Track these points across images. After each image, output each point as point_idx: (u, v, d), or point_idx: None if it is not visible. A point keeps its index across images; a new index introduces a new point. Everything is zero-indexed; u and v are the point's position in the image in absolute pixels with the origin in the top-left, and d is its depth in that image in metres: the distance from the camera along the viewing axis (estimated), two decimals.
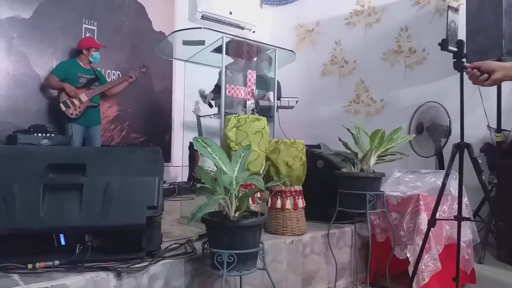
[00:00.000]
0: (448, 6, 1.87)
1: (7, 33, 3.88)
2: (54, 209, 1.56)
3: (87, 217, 1.56)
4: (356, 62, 5.02)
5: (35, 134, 3.62)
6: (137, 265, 1.59)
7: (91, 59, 4.07)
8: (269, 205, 2.28)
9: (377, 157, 2.31)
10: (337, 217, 2.36)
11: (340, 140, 2.39)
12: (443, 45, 1.79)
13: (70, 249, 1.60)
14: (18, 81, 3.92)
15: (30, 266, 1.50)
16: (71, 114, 3.90)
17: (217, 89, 3.82)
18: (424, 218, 2.21)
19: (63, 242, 1.64)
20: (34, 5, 4.04)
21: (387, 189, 2.55)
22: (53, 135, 3.72)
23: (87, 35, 4.39)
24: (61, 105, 3.87)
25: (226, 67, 2.57)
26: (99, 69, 4.30)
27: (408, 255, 2.25)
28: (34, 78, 4.03)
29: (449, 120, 3.35)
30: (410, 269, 2.19)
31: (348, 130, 2.43)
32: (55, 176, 1.63)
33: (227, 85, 2.75)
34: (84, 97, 3.96)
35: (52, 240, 1.63)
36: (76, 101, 3.91)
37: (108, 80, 4.42)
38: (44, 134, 3.65)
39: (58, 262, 1.53)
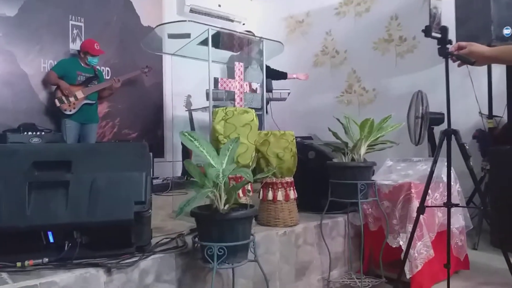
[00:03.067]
0: None
1: None
2: (40, 207, 1.55)
3: (74, 214, 1.54)
4: (347, 52, 5.00)
5: (25, 133, 3.59)
6: (127, 261, 1.57)
7: (87, 62, 4.07)
8: (260, 197, 2.27)
9: (367, 146, 2.31)
10: (329, 207, 2.36)
11: (330, 130, 2.38)
12: (427, 31, 1.78)
13: (59, 246, 1.58)
14: (5, 80, 3.88)
15: (19, 264, 1.48)
16: (65, 110, 3.91)
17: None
18: (416, 206, 2.21)
19: (51, 240, 1.62)
20: (19, 3, 3.97)
21: (379, 178, 2.55)
22: (43, 133, 3.68)
23: (75, 31, 4.34)
24: (56, 100, 3.91)
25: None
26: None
27: (401, 243, 2.25)
28: (22, 77, 3.98)
29: (424, 107, 3.38)
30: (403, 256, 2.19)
31: (338, 120, 2.42)
32: (41, 174, 1.61)
33: (220, 79, 2.73)
34: (80, 94, 3.97)
35: (41, 238, 1.61)
36: (71, 98, 3.91)
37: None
38: (34, 133, 3.62)
39: (47, 259, 1.51)
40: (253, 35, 3.82)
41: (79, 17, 4.38)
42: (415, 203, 2.26)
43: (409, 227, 2.22)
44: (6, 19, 3.90)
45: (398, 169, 2.65)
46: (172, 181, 3.80)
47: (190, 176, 1.68)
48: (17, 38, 3.96)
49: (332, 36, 5.14)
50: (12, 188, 1.53)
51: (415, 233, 2.06)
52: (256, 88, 3.12)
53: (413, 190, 2.31)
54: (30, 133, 3.61)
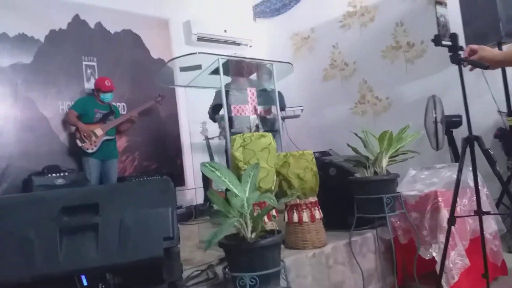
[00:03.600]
0: (435, 1, 1.86)
1: (11, 80, 3.95)
2: (72, 252, 1.57)
3: (105, 256, 1.56)
4: (356, 63, 5.00)
5: (50, 175, 3.67)
6: None
7: (100, 99, 4.16)
8: (286, 220, 2.26)
9: (388, 158, 2.29)
10: (357, 223, 2.33)
11: (349, 145, 2.37)
12: (436, 41, 1.78)
13: None
14: (27, 125, 3.98)
15: None
16: (87, 149, 3.97)
17: (216, 108, 3.88)
18: (445, 215, 2.17)
19: (85, 283, 1.63)
20: (33, 50, 4.11)
21: (404, 188, 2.51)
22: (67, 173, 3.76)
23: (88, 71, 4.46)
24: (77, 140, 3.99)
25: (225, 87, 2.57)
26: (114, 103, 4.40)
27: (434, 254, 2.20)
28: (42, 121, 4.08)
29: (440, 112, 3.33)
30: (438, 268, 2.13)
31: (356, 134, 2.41)
32: (70, 219, 1.63)
33: (232, 105, 2.75)
34: (99, 131, 4.05)
35: (75, 283, 1.62)
36: (92, 137, 3.99)
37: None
38: (58, 174, 3.69)
39: None
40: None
41: (91, 57, 4.50)
42: (444, 212, 2.21)
43: (441, 237, 2.17)
44: (23, 67, 4.04)
45: (422, 177, 2.61)
46: (196, 209, 3.81)
47: (212, 202, 1.69)
48: (35, 83, 4.08)
49: (339, 49, 5.15)
50: (44, 236, 1.56)
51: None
52: (261, 112, 3.12)
53: (440, 199, 2.27)
54: (54, 174, 3.69)
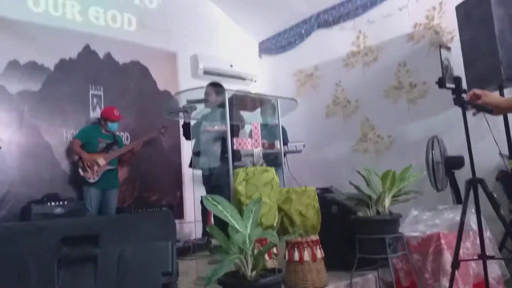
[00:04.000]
0: (440, 45, 1.92)
1: (18, 106, 4.01)
2: (69, 284, 1.55)
3: None
4: (358, 101, 5.06)
5: (49, 204, 3.64)
6: None
7: (107, 128, 4.20)
8: (286, 258, 2.22)
9: (391, 197, 2.28)
10: (358, 264, 2.28)
11: (351, 183, 2.37)
12: (441, 83, 1.81)
13: None
14: (30, 151, 4.00)
15: None
16: (89, 178, 3.96)
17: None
18: (447, 258, 2.14)
19: None
20: (42, 78, 4.19)
21: (406, 229, 2.49)
22: (66, 202, 3.74)
23: (95, 100, 4.53)
24: (80, 170, 4.00)
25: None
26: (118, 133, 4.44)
27: None
28: (45, 148, 4.10)
29: (442, 153, 3.34)
30: None
31: (359, 172, 2.41)
32: (69, 250, 1.63)
33: (235, 139, 2.76)
34: (102, 161, 4.06)
35: None
36: (94, 167, 3.99)
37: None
38: (57, 203, 3.67)
39: None
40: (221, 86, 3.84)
41: (98, 86, 4.58)
42: (447, 255, 2.18)
43: (443, 281, 2.13)
44: (31, 94, 4.10)
45: (424, 219, 2.59)
46: (194, 244, 3.75)
47: (211, 237, 1.67)
48: (41, 111, 4.13)
49: (342, 87, 5.24)
50: (42, 266, 1.54)
51: None
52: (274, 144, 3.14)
53: (442, 241, 2.24)
54: (53, 203, 3.67)
